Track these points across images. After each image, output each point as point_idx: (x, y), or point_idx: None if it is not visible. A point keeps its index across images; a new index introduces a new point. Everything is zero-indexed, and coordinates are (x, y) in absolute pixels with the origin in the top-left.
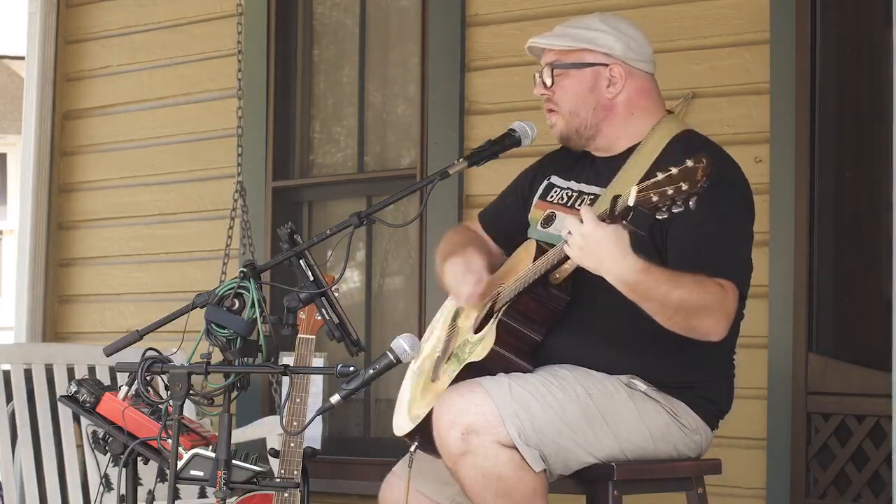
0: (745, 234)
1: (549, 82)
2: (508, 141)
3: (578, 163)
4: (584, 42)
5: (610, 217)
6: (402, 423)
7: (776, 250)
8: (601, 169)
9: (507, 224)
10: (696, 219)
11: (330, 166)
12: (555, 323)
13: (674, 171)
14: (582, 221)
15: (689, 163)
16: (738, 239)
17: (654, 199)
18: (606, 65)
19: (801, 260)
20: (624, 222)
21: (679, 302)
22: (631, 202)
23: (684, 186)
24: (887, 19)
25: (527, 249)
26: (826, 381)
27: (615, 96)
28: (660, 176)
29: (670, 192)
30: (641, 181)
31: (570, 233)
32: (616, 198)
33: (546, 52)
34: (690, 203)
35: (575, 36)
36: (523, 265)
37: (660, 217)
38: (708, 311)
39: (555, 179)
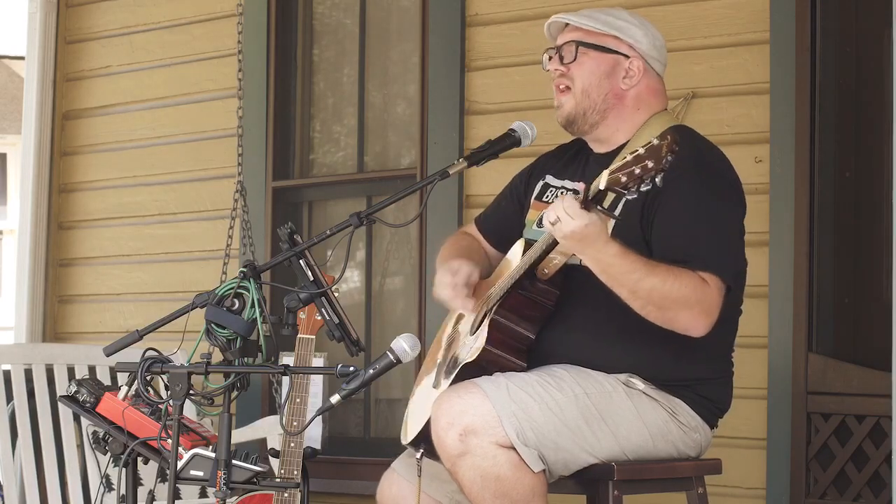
0: (734, 228)
1: (569, 58)
2: (508, 141)
3: (573, 162)
4: (614, 29)
5: (584, 203)
6: (407, 432)
7: (776, 250)
8: (595, 168)
9: (503, 227)
10: (681, 212)
11: (330, 166)
12: (547, 318)
13: (640, 150)
14: (564, 209)
15: (655, 141)
16: (725, 233)
17: (623, 179)
18: (628, 56)
19: (801, 260)
20: (599, 207)
21: (650, 290)
22: (602, 186)
23: (650, 164)
24: (887, 19)
25: (516, 249)
26: (826, 381)
27: (629, 88)
28: (628, 157)
29: (637, 171)
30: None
31: (558, 219)
32: (589, 184)
33: (568, 29)
34: (657, 180)
35: (605, 21)
36: (513, 264)
37: (630, 197)
38: (685, 304)
39: (550, 179)
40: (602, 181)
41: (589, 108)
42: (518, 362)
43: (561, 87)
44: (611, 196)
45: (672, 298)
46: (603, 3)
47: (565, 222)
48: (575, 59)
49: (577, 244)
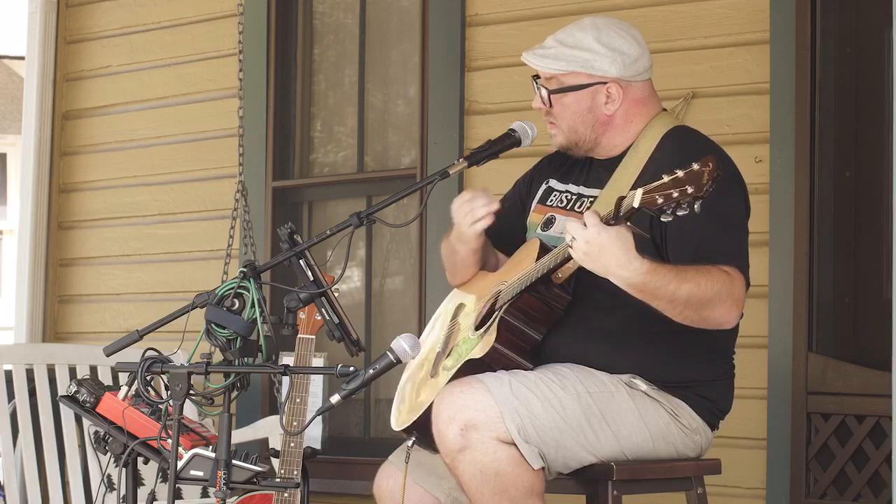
0: (742, 223)
1: (548, 103)
2: (508, 141)
3: (576, 165)
4: (579, 65)
5: (615, 219)
6: (400, 418)
7: (776, 250)
8: (599, 171)
9: (504, 229)
10: (698, 211)
11: (330, 166)
12: (556, 322)
13: (679, 174)
14: (585, 225)
15: (696, 166)
16: (736, 227)
17: (660, 201)
18: (604, 83)
19: (801, 260)
20: (628, 223)
21: (688, 296)
22: (636, 204)
23: (690, 189)
24: (887, 19)
25: (529, 248)
26: (826, 381)
27: (614, 112)
28: (665, 179)
29: (675, 194)
30: (646, 183)
31: (574, 238)
32: (620, 199)
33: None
34: (696, 206)
35: (569, 58)
36: (525, 264)
37: (664, 219)
38: (718, 300)
39: (553, 183)
40: (636, 200)
41: (580, 140)
42: (525, 363)
43: (549, 121)
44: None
45: (707, 298)
46: (598, 6)
47: (580, 240)
48: (552, 105)
49: (597, 263)
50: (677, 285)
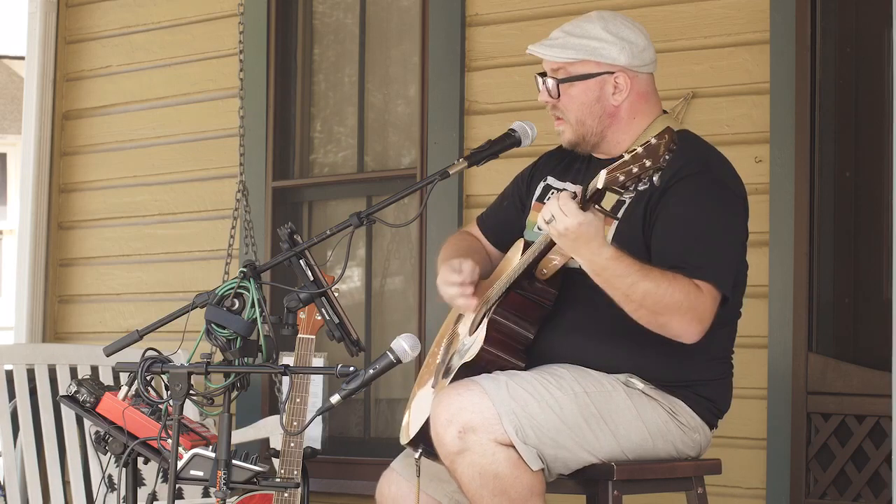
0: (734, 237)
1: (555, 94)
2: (508, 141)
3: (575, 164)
4: (588, 54)
5: (582, 202)
6: (405, 432)
7: (776, 250)
8: (597, 170)
9: (504, 228)
10: (681, 218)
11: (330, 166)
12: (545, 318)
13: (638, 149)
14: (560, 206)
15: (653, 140)
16: (724, 240)
17: (621, 178)
18: (612, 72)
19: (801, 260)
20: (596, 206)
21: (644, 295)
22: (600, 185)
23: (647, 163)
24: (887, 19)
25: (515, 249)
26: (826, 381)
27: (620, 103)
28: (626, 157)
29: (635, 169)
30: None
31: (553, 216)
32: (587, 184)
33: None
34: (654, 179)
35: (578, 46)
36: (512, 264)
37: (627, 197)
38: (677, 310)
39: (551, 181)
40: (600, 180)
41: (587, 133)
42: (516, 362)
43: (556, 116)
44: (612, 198)
45: (665, 303)
46: (597, 5)
47: (559, 220)
48: (560, 96)
49: (571, 243)
50: (636, 279)
